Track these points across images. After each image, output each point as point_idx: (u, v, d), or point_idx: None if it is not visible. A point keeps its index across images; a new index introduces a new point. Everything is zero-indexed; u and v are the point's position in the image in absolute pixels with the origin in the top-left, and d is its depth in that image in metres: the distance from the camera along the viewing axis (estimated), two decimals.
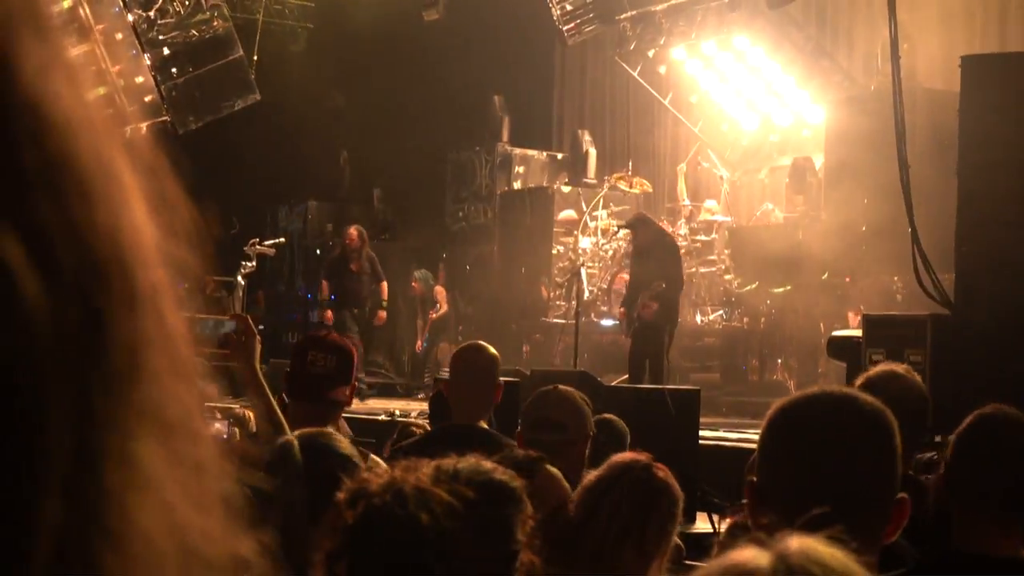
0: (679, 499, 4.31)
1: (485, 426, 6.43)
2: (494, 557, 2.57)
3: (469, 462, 2.60)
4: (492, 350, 6.74)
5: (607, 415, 7.69)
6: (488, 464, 2.64)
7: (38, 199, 0.63)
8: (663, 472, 4.33)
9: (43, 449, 0.62)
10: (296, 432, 4.24)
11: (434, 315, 21.67)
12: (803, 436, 2.60)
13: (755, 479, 2.62)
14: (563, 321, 19.09)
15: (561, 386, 6.19)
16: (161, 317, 0.69)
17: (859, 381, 4.78)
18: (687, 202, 21.03)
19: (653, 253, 15.81)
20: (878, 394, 3.96)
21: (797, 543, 1.31)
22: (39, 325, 0.62)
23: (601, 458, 6.67)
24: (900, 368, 4.91)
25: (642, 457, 4.37)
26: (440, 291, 21.86)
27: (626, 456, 4.43)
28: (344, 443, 4.13)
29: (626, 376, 17.29)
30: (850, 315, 17.12)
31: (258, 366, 5.00)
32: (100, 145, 0.67)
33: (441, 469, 2.53)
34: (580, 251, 20.47)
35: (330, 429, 4.27)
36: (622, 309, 16.84)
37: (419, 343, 21.98)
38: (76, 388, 0.64)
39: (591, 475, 4.39)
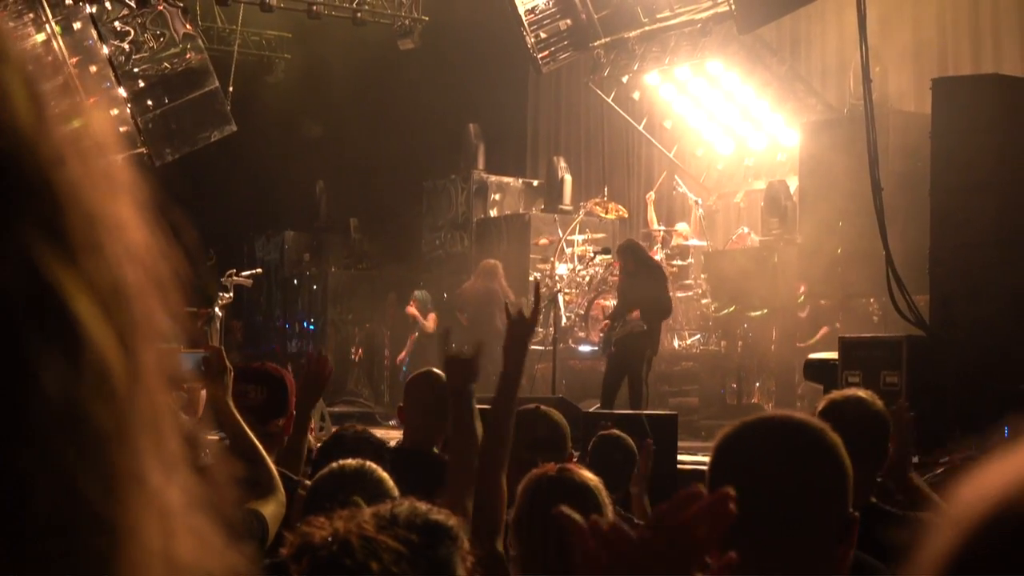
0: (595, 489, 4.26)
1: (436, 451, 6.40)
2: None
3: (404, 505, 2.61)
4: (444, 379, 6.71)
5: (615, 431, 7.65)
6: (423, 505, 2.65)
7: (89, 260, 0.70)
8: (574, 472, 4.33)
9: (119, 485, 0.70)
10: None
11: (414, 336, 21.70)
12: (747, 461, 2.61)
13: None
14: (540, 347, 19.10)
15: (542, 406, 6.14)
16: (162, 362, 0.75)
17: (821, 405, 4.82)
18: (660, 227, 21.03)
19: (639, 277, 15.87)
20: (839, 418, 4.02)
21: None
22: (114, 370, 0.70)
23: (616, 476, 6.68)
24: (863, 393, 4.95)
25: (550, 468, 4.35)
26: (432, 319, 21.79)
27: (535, 471, 4.41)
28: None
29: None
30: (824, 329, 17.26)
31: (229, 396, 4.97)
32: (114, 207, 0.72)
33: (380, 515, 2.54)
34: (557, 277, 20.50)
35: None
36: (605, 321, 16.91)
37: (403, 354, 21.98)
38: (128, 423, 0.71)
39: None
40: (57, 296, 0.68)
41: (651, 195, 22.00)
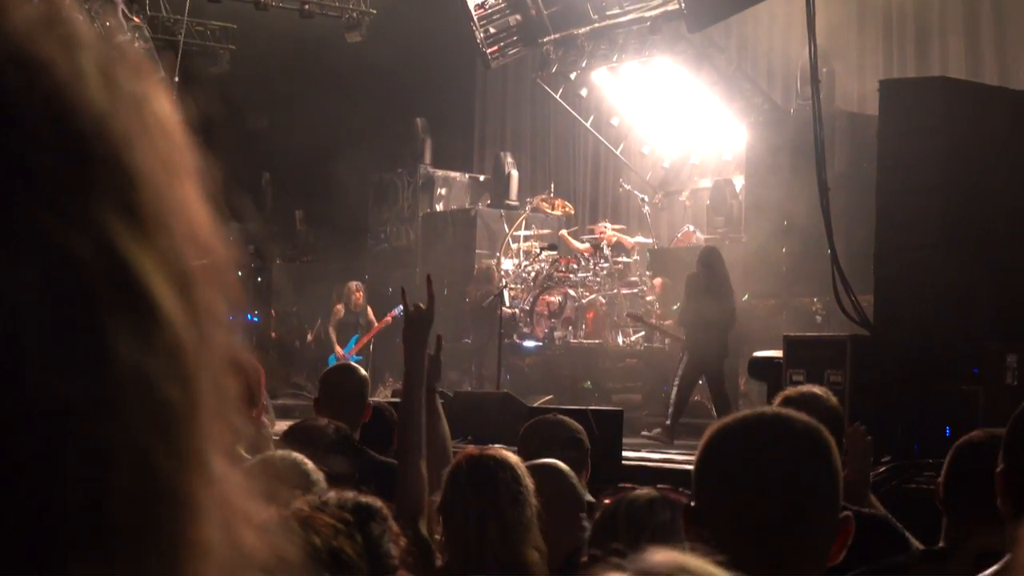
0: (516, 466, 4.41)
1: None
2: (378, 572, 2.66)
3: (331, 493, 2.70)
4: (362, 372, 6.85)
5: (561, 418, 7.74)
6: (349, 492, 2.74)
7: (162, 242, 0.72)
8: (495, 451, 4.48)
9: (189, 459, 0.71)
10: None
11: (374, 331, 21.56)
12: (742, 459, 2.56)
13: (692, 503, 2.58)
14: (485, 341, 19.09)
15: (558, 414, 6.73)
16: (228, 352, 0.77)
17: (777, 401, 4.84)
18: (587, 243, 20.75)
19: (714, 287, 15.56)
20: None
21: (661, 556, 1.29)
22: (188, 350, 0.71)
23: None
24: (817, 389, 4.98)
25: (471, 450, 4.51)
26: (370, 311, 21.73)
27: (459, 455, 4.54)
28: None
29: (549, 397, 17.33)
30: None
31: None
32: (176, 180, 0.75)
33: (311, 501, 2.64)
34: (503, 273, 20.49)
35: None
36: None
37: (341, 351, 21.88)
38: (198, 405, 0.73)
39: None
40: (134, 273, 0.69)
41: (563, 231, 21.46)
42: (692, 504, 2.57)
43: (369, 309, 21.43)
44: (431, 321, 5.42)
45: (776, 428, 2.61)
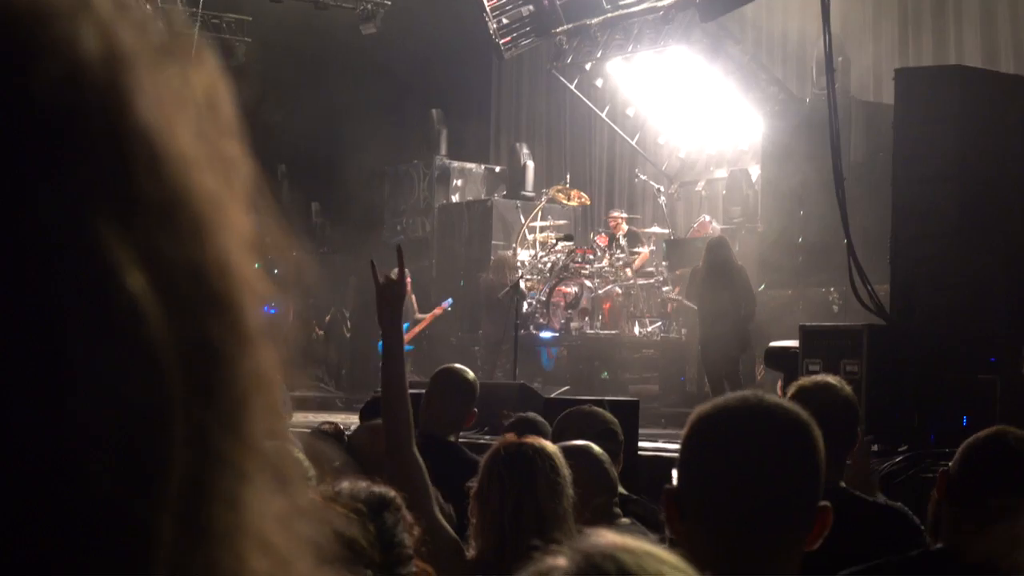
0: (554, 455, 4.45)
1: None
2: (392, 561, 2.67)
3: (345, 483, 2.70)
4: (470, 375, 6.94)
5: (530, 414, 7.68)
6: (363, 482, 2.74)
7: (156, 231, 0.65)
8: (534, 440, 4.53)
9: (164, 483, 0.64)
10: None
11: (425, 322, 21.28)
12: (721, 444, 2.55)
13: (674, 487, 2.58)
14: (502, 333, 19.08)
15: (591, 406, 6.74)
16: (263, 357, 0.70)
17: (791, 391, 4.83)
18: (601, 230, 20.76)
19: (727, 277, 15.48)
20: (808, 403, 3.98)
21: (602, 538, 1.30)
22: (163, 354, 0.64)
23: None
24: (832, 378, 4.96)
25: (510, 438, 4.52)
26: (414, 299, 21.50)
27: (496, 443, 4.55)
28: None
29: (566, 387, 17.33)
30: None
31: None
32: (209, 180, 0.69)
33: (324, 491, 2.68)
34: (519, 264, 20.48)
35: None
36: None
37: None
38: (195, 423, 0.65)
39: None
40: (105, 263, 0.63)
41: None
42: (674, 489, 2.56)
43: (413, 298, 21.30)
44: (402, 297, 5.28)
45: (755, 416, 2.58)
